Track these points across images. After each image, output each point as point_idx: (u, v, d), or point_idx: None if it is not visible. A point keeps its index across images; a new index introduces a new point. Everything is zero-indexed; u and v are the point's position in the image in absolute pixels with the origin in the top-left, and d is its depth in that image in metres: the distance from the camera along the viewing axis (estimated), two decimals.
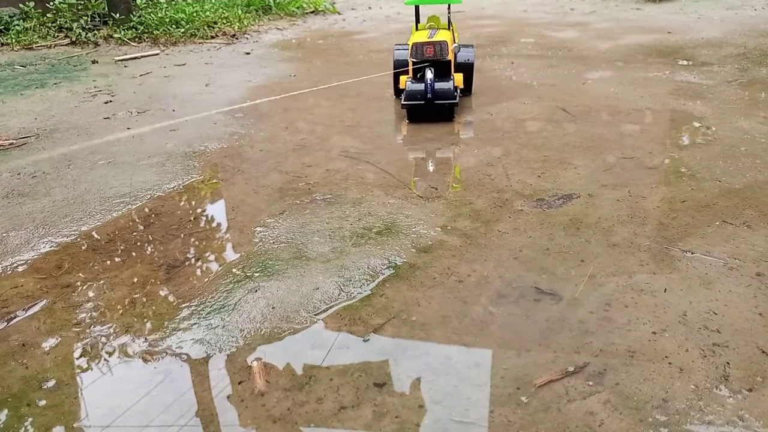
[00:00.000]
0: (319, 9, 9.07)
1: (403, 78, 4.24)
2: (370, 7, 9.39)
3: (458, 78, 4.21)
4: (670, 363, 1.83)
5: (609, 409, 1.68)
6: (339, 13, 8.97)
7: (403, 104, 4.07)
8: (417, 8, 4.73)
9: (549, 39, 6.62)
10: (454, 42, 4.35)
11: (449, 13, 4.72)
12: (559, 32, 6.95)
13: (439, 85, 3.97)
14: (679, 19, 7.36)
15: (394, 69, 4.51)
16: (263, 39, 7.42)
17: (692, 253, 2.40)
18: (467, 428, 1.65)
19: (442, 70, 4.08)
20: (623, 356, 1.87)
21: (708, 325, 1.99)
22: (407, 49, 4.22)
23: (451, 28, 4.54)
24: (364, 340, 1.99)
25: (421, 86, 3.98)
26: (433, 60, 4.05)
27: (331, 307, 2.16)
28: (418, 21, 4.78)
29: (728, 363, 1.82)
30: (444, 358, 1.90)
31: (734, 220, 2.64)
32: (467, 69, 4.53)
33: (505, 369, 1.84)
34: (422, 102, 3.96)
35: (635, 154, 3.36)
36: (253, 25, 8.11)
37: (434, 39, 4.08)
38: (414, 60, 4.11)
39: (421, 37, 4.17)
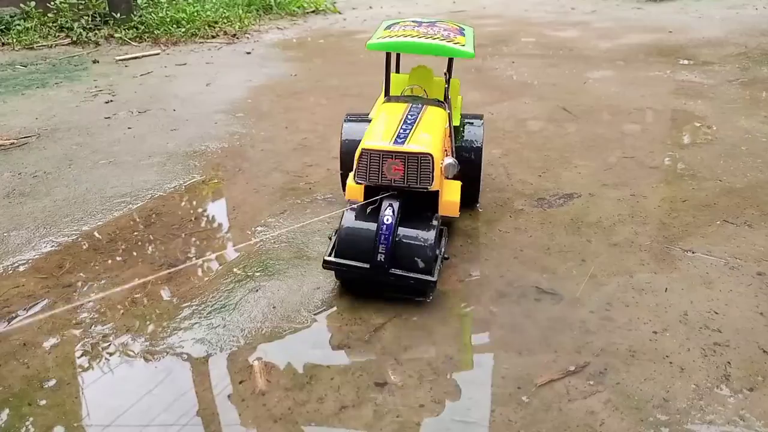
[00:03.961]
0: (320, 8, 9.06)
1: (350, 185, 2.25)
2: (371, 7, 9.38)
3: (450, 199, 2.29)
4: (671, 362, 1.83)
5: (610, 409, 1.68)
6: (340, 13, 8.96)
7: (325, 261, 2.13)
8: (389, 56, 2.60)
9: (550, 38, 6.61)
10: (450, 148, 2.44)
11: (448, 76, 2.53)
12: (560, 31, 6.94)
13: (405, 233, 2.10)
14: (680, 18, 7.35)
15: (342, 155, 2.67)
16: (264, 38, 7.41)
17: (693, 253, 2.40)
18: (468, 428, 1.65)
19: (419, 201, 2.20)
20: (624, 356, 1.87)
21: (709, 325, 1.98)
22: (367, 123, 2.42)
23: (448, 99, 2.52)
24: (364, 340, 1.99)
25: (369, 228, 2.09)
26: (402, 189, 2.14)
27: (332, 307, 2.16)
28: (388, 82, 2.63)
29: (729, 362, 1.82)
30: (445, 357, 1.90)
31: (735, 219, 2.63)
32: (471, 167, 2.58)
33: (506, 368, 1.84)
34: (366, 267, 2.06)
35: (636, 154, 3.36)
36: (254, 24, 8.10)
37: (407, 147, 2.10)
38: (362, 182, 2.17)
39: (383, 134, 2.21)
